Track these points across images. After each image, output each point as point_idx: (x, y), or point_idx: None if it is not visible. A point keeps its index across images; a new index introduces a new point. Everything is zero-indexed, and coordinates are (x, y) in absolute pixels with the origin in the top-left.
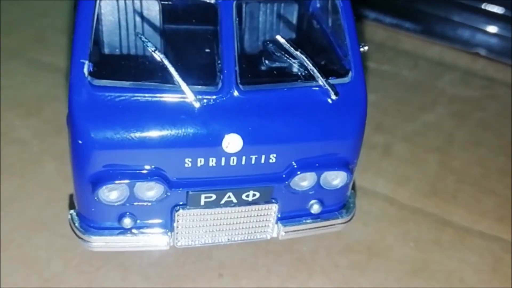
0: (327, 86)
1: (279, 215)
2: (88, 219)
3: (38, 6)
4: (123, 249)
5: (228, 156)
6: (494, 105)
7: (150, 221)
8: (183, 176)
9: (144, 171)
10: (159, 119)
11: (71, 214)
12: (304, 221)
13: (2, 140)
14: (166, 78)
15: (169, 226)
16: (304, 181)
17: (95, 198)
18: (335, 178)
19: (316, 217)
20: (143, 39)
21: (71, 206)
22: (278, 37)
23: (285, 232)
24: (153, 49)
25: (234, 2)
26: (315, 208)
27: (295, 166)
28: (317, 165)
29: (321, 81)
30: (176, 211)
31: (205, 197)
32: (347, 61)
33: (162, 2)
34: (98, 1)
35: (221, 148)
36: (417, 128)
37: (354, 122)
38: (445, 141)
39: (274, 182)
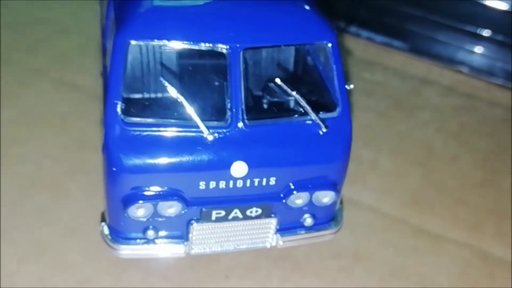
0: (318, 121)
1: (277, 227)
2: (118, 230)
3: (58, 26)
4: (147, 256)
5: (235, 179)
6: (473, 122)
7: (169, 233)
8: (197, 196)
9: (166, 192)
10: (178, 149)
11: (103, 226)
12: (298, 232)
13: (38, 155)
14: (184, 116)
15: (185, 237)
16: (298, 199)
17: (125, 214)
18: (325, 197)
19: (309, 229)
20: (166, 84)
21: (103, 219)
22: (277, 80)
23: (282, 241)
24: (174, 93)
25: (242, 52)
26: (308, 221)
27: (292, 187)
28: (309, 186)
29: (313, 116)
30: (191, 224)
31: (216, 213)
32: (336, 97)
33: (180, 50)
34: (128, 48)
35: (230, 173)
36: (402, 143)
37: (340, 150)
38: (426, 156)
39: (273, 200)
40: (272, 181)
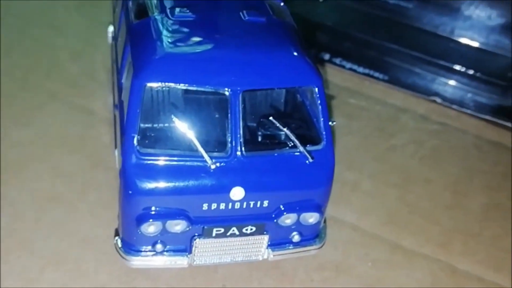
0: (305, 153)
1: (269, 243)
2: (130, 244)
3: (70, 51)
4: (154, 266)
5: (233, 202)
6: (445, 147)
7: (175, 246)
8: (201, 215)
9: (173, 212)
10: (185, 175)
11: (116, 240)
12: (287, 247)
13: (52, 173)
14: (191, 147)
15: (188, 250)
16: (288, 219)
17: (138, 231)
18: (311, 217)
19: (297, 244)
20: (176, 120)
21: (116, 234)
22: (271, 118)
23: (273, 255)
24: (183, 128)
25: (241, 93)
26: (296, 238)
27: (282, 209)
28: (297, 208)
29: (301, 148)
30: (195, 239)
31: (216, 230)
32: (321, 132)
33: (188, 90)
34: (144, 89)
35: (229, 196)
36: (381, 167)
37: (324, 177)
38: (402, 178)
39: (266, 220)
40: (265, 203)
